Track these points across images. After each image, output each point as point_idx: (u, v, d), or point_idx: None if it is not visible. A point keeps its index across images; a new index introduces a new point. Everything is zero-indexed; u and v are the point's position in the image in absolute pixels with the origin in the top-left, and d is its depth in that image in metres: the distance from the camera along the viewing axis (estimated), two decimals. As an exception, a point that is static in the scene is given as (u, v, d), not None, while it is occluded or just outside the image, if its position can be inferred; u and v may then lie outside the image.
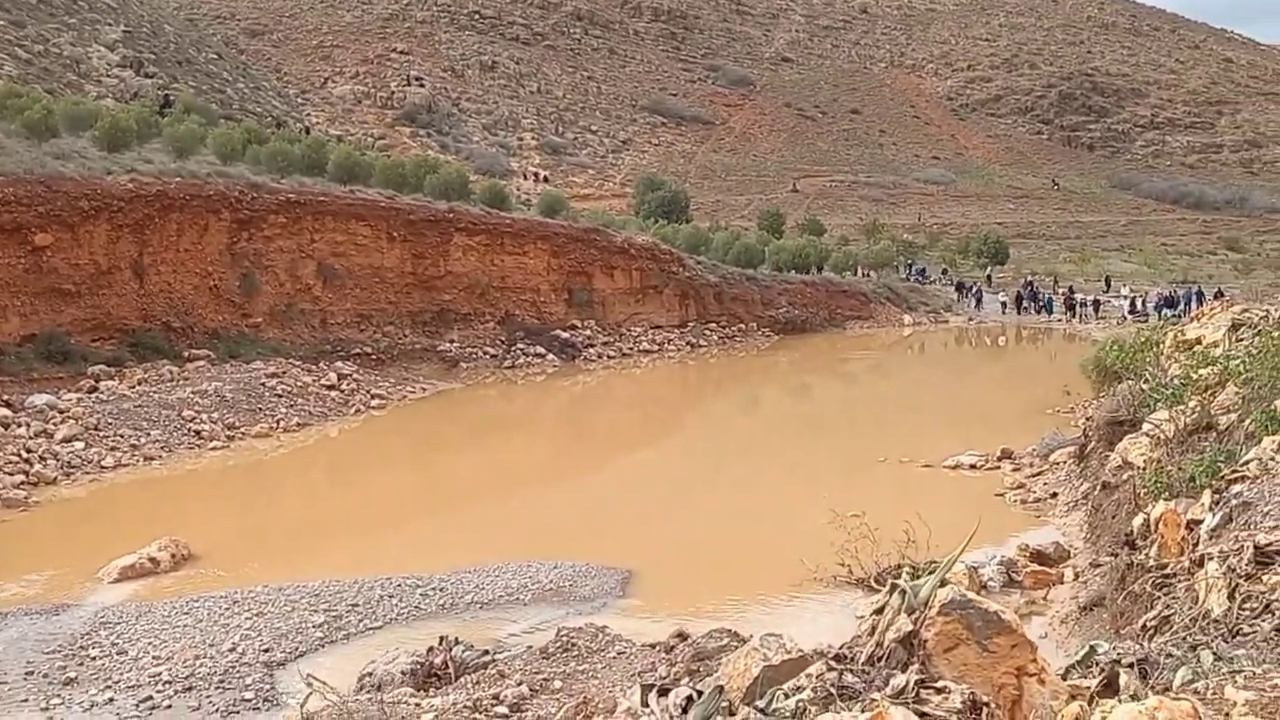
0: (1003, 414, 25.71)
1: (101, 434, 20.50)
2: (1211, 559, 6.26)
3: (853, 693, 4.19)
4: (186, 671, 10.32)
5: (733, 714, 4.40)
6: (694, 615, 11.68)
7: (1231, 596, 5.60)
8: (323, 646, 11.21)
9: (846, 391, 34.10)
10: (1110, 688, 4.31)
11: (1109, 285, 55.39)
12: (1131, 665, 4.53)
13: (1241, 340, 15.55)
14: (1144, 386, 14.90)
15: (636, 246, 39.10)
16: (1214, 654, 4.62)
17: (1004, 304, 51.13)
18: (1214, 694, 3.95)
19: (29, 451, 19.02)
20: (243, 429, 22.64)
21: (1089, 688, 4.35)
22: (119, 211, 26.00)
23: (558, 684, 9.21)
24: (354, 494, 19.06)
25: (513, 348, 34.04)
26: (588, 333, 36.61)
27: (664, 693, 4.78)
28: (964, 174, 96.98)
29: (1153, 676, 4.43)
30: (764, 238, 50.28)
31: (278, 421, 23.47)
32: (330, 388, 26.70)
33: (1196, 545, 7.13)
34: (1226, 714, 3.74)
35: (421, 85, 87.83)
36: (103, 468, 19.37)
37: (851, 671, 4.34)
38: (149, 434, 21.02)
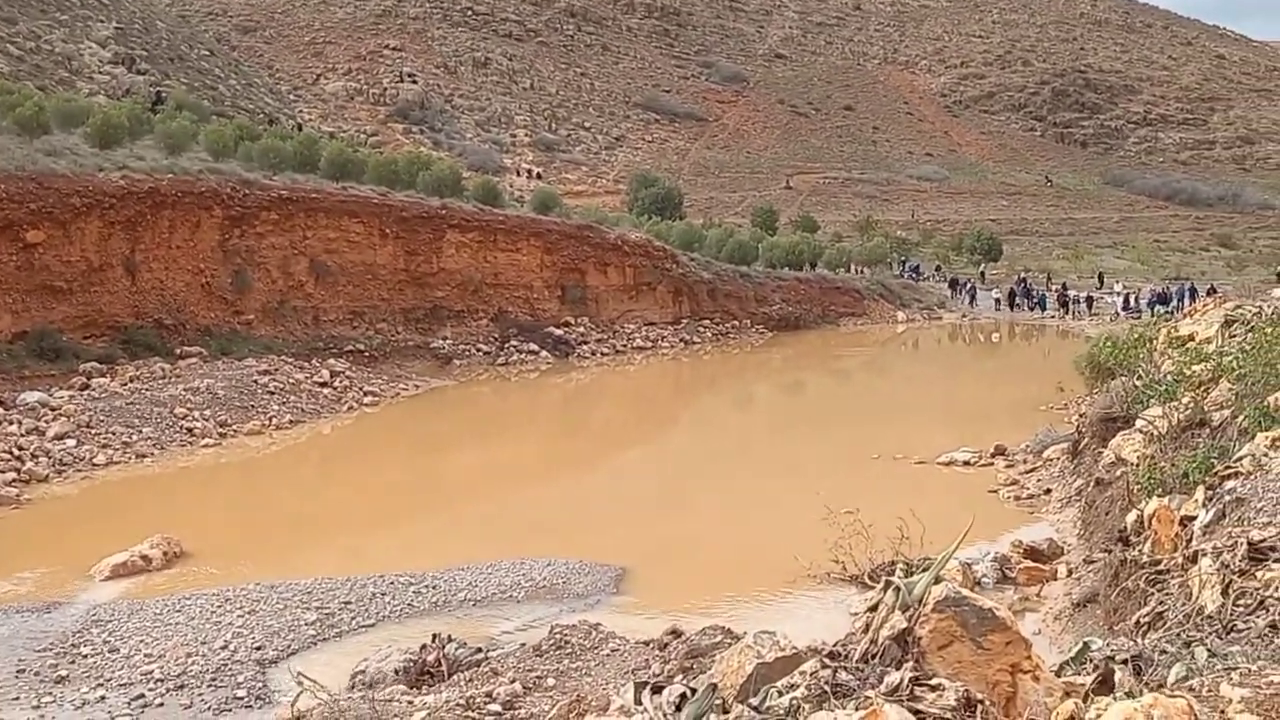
0: (996, 410, 25.74)
1: (93, 431, 20.43)
2: (1205, 555, 6.26)
3: (847, 690, 4.17)
4: (178, 669, 10.29)
5: (726, 712, 4.39)
6: (688, 612, 11.67)
7: (1225, 593, 5.60)
8: (315, 644, 11.18)
9: (840, 388, 34.12)
10: (1105, 685, 4.30)
11: (1102, 282, 55.49)
12: (1126, 662, 4.53)
13: (1234, 336, 15.58)
14: (1137, 383, 14.91)
15: (630, 243, 39.06)
16: (1208, 650, 4.62)
17: (997, 301, 51.18)
18: (1209, 691, 3.95)
19: (21, 449, 18.94)
20: (235, 426, 22.57)
21: (1084, 685, 4.34)
22: (111, 208, 25.90)
23: (551, 681, 9.19)
24: (347, 491, 19.02)
25: (506, 345, 33.98)
26: (581, 330, 36.57)
27: (657, 690, 4.76)
28: (957, 170, 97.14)
29: (1147, 673, 4.43)
30: (757, 234, 50.26)
31: (270, 419, 23.40)
32: (323, 385, 26.64)
33: (1190, 541, 7.13)
34: (1222, 711, 3.73)
35: (414, 82, 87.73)
36: (95, 465, 19.29)
37: (846, 669, 4.33)
38: (141, 431, 20.95)
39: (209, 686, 9.99)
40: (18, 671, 10.27)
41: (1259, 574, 5.64)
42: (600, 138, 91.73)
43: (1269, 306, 18.35)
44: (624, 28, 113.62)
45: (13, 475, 17.93)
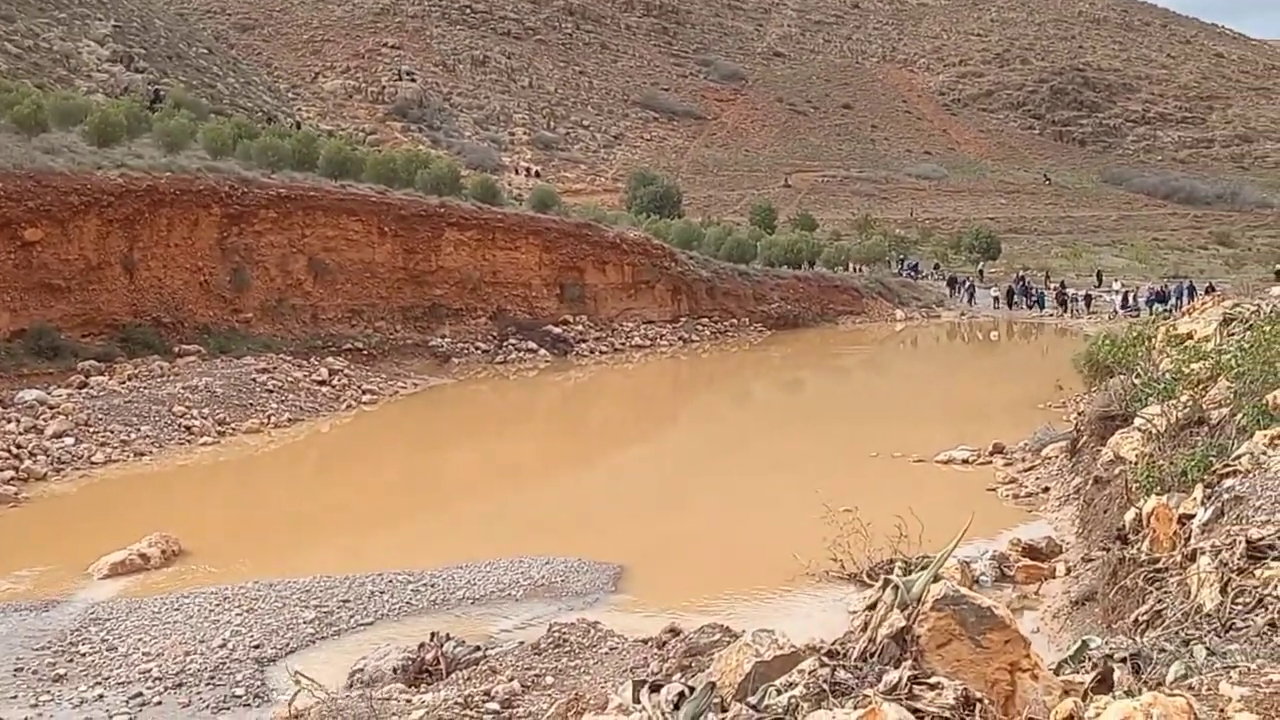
0: (995, 409, 25.74)
1: (92, 430, 20.42)
2: (1203, 553, 6.26)
3: (845, 689, 4.17)
4: (177, 668, 10.28)
5: (725, 710, 4.38)
6: (686, 610, 11.66)
7: (1224, 591, 5.59)
8: (314, 643, 11.17)
9: (838, 386, 34.10)
10: (1104, 683, 4.30)
11: (1100, 280, 55.48)
12: (1124, 660, 4.52)
13: (1233, 335, 15.58)
14: (1135, 381, 14.91)
15: (628, 242, 39.04)
16: (1207, 649, 4.62)
17: (996, 299, 51.19)
18: (1208, 690, 3.94)
19: (19, 447, 18.93)
20: (233, 424, 22.56)
21: (1082, 683, 4.34)
22: (109, 206, 25.88)
23: (549, 680, 9.19)
24: (345, 489, 19.01)
25: (504, 343, 33.97)
26: (580, 328, 36.56)
27: (656, 689, 4.75)
28: (956, 169, 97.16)
29: (1146, 671, 4.42)
30: (756, 233, 50.22)
31: (269, 417, 23.39)
32: (321, 383, 26.63)
33: (1188, 540, 7.13)
34: (1221, 710, 3.73)
35: (413, 80, 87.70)
36: (93, 463, 19.28)
37: (844, 667, 4.32)
38: (139, 429, 20.94)
39: (207, 685, 9.99)
40: (16, 670, 10.26)
41: (1257, 572, 5.63)
42: (599, 136, 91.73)
43: (1267, 304, 18.36)
44: (622, 26, 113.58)
45: (11, 474, 17.93)
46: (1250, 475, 7.75)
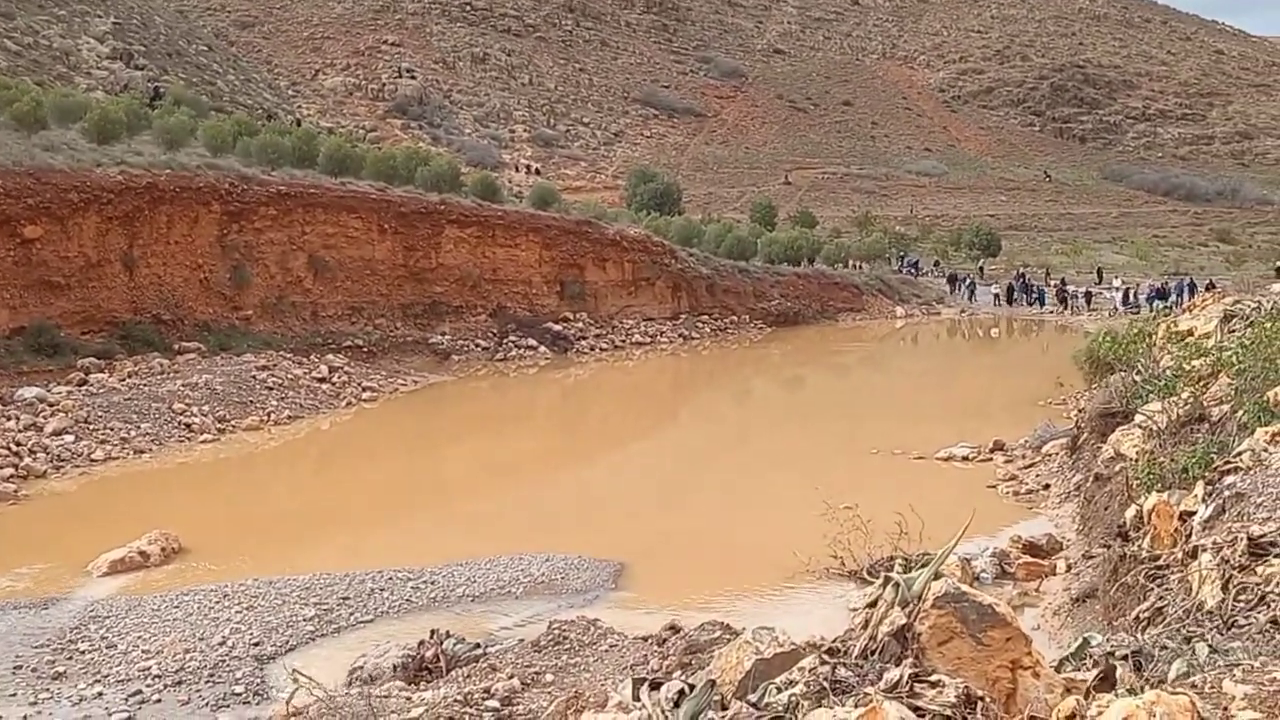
0: (995, 406, 25.74)
1: (91, 427, 20.41)
2: (1205, 550, 6.24)
3: (846, 687, 4.15)
4: (176, 665, 10.27)
5: (725, 708, 4.37)
6: (686, 608, 11.64)
7: (1225, 588, 5.58)
8: (313, 640, 11.16)
9: (839, 383, 34.08)
10: (1106, 681, 4.28)
11: (1101, 277, 55.44)
12: (1126, 658, 4.51)
13: (1233, 331, 15.57)
14: (1136, 378, 14.90)
15: (629, 239, 39.03)
16: (1209, 647, 4.60)
17: (996, 296, 51.17)
18: (1211, 688, 3.92)
19: (19, 445, 18.91)
20: (233, 422, 22.55)
21: (1084, 681, 4.32)
22: (108, 204, 25.86)
23: (549, 677, 9.18)
24: (345, 487, 18.99)
25: (504, 340, 33.96)
26: (580, 325, 36.54)
27: (656, 686, 4.74)
28: (956, 166, 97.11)
29: (1148, 669, 4.41)
30: (756, 230, 50.21)
31: (268, 414, 23.38)
32: (321, 380, 26.62)
33: (1189, 537, 7.12)
34: (1225, 708, 3.71)
35: (413, 77, 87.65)
36: (92, 461, 19.27)
37: (844, 665, 4.31)
38: (139, 427, 20.92)
39: (207, 682, 9.98)
40: (15, 668, 10.25)
41: (1259, 569, 5.62)
42: (599, 133, 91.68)
43: (1268, 301, 18.34)
44: (622, 23, 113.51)
45: (10, 471, 17.92)
46: (1251, 472, 7.73)
